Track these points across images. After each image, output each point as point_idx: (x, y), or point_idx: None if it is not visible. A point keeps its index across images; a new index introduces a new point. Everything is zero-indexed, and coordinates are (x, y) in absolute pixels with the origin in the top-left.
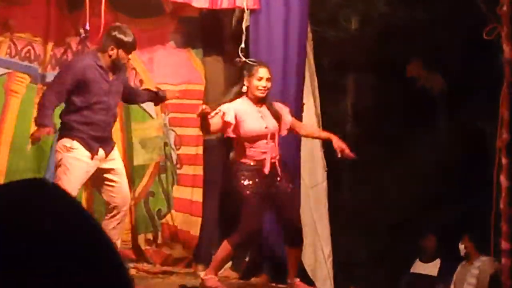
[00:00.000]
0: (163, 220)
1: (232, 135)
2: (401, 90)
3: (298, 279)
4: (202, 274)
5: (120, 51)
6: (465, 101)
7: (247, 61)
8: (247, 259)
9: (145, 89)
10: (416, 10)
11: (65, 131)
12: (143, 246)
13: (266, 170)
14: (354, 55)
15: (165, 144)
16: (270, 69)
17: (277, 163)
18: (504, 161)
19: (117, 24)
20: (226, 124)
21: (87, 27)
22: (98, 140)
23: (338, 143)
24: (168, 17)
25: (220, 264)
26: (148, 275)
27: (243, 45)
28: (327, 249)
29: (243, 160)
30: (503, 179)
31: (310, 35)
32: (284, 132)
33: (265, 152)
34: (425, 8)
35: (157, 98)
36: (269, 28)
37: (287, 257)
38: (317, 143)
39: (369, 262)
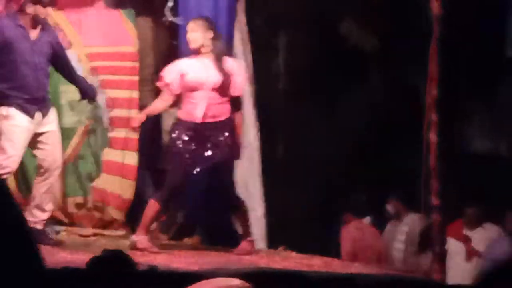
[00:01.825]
0: (94, 184)
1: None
2: (334, 48)
3: (245, 242)
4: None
5: (38, 6)
6: (397, 58)
7: (174, 20)
8: (178, 220)
9: (82, 77)
10: None
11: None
12: (73, 210)
13: (197, 119)
14: (286, 12)
15: (94, 106)
16: (200, 21)
17: (221, 123)
18: (433, 117)
19: None
20: (169, 89)
21: None
22: (34, 102)
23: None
24: None
25: (149, 223)
26: (79, 238)
27: (170, 3)
28: (260, 209)
29: (179, 115)
30: (432, 135)
31: None
32: (235, 92)
33: (197, 105)
34: None
35: (88, 92)
36: None
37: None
38: (249, 104)
39: (303, 220)
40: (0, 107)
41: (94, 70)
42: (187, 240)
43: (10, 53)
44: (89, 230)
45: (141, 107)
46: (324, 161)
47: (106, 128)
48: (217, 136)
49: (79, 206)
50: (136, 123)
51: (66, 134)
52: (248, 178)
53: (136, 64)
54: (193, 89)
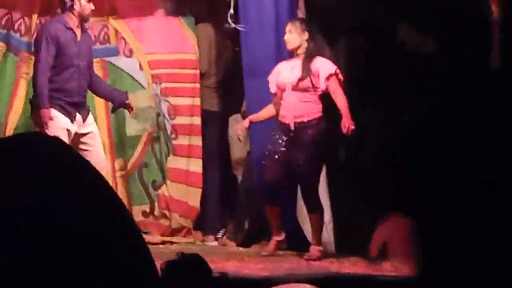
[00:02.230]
0: (159, 191)
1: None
2: (392, 54)
3: (316, 247)
4: (207, 242)
5: (83, 1)
6: (456, 64)
7: (237, 27)
8: (246, 226)
9: (109, 86)
10: None
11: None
12: (140, 218)
13: (286, 119)
14: (343, 19)
15: (158, 114)
16: (297, 23)
17: (304, 124)
18: None
19: None
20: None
21: None
22: (74, 106)
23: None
24: None
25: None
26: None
27: (232, 11)
28: (327, 215)
29: (279, 118)
30: None
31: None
32: (322, 86)
33: (284, 107)
34: None
35: (116, 98)
36: None
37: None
38: None
39: (370, 225)
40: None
41: (156, 78)
42: (255, 247)
43: (59, 56)
44: (158, 238)
45: (205, 114)
46: (388, 167)
47: (170, 135)
48: (305, 136)
49: (145, 214)
50: (240, 130)
51: (130, 142)
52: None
53: (197, 72)
54: (282, 90)
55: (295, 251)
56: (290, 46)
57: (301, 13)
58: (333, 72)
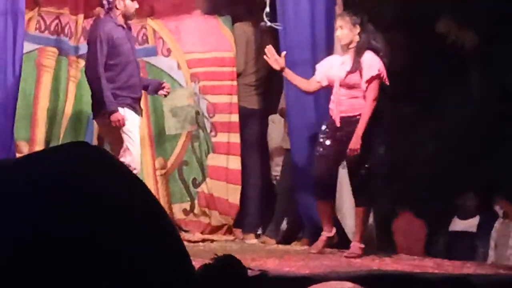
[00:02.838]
0: (199, 189)
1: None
2: (432, 47)
3: (357, 243)
4: (247, 240)
5: (127, 1)
6: (497, 57)
7: (273, 25)
8: (284, 224)
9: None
10: None
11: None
12: (181, 216)
13: (333, 114)
14: (382, 14)
15: (197, 112)
16: (347, 17)
17: (349, 118)
18: None
19: None
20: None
21: None
22: (139, 102)
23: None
24: None
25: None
26: (188, 244)
27: (267, 9)
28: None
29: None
30: None
31: None
32: (363, 85)
33: (333, 102)
34: None
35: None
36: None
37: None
38: None
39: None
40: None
41: (194, 76)
42: (295, 244)
43: (118, 56)
44: (198, 236)
45: (243, 112)
46: (428, 162)
47: (209, 133)
48: (351, 132)
49: (186, 212)
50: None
51: (170, 140)
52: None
53: (234, 70)
54: (331, 84)
55: (335, 248)
56: (343, 42)
57: (339, 10)
58: (375, 74)
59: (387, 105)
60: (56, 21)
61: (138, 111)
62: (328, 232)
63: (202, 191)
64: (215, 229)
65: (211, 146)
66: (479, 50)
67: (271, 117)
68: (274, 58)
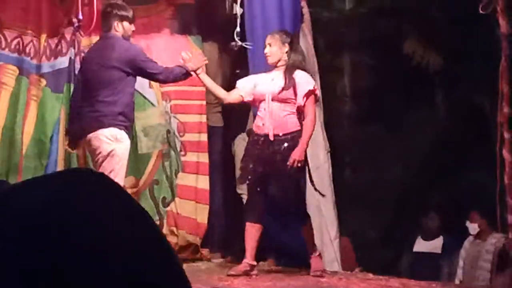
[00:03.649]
0: (168, 208)
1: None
2: (398, 68)
3: (315, 254)
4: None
5: (125, 23)
6: (462, 77)
7: (243, 45)
8: None
9: None
10: None
11: (111, 119)
12: None
13: (262, 131)
14: (349, 34)
15: (168, 131)
16: (277, 35)
17: (280, 135)
18: (506, 135)
19: (109, 2)
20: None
21: (80, 17)
22: (131, 126)
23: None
24: (164, 4)
25: (256, 246)
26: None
27: (238, 29)
28: (333, 230)
29: (253, 128)
30: (506, 153)
31: (307, 16)
32: (299, 101)
33: (262, 118)
34: None
35: None
36: (263, 11)
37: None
38: (317, 125)
39: (375, 242)
40: (113, 128)
41: (166, 95)
42: (262, 264)
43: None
44: None
45: (209, 131)
46: (394, 182)
47: (179, 152)
48: (283, 149)
49: None
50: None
51: (141, 159)
52: (320, 201)
53: (204, 89)
54: (259, 100)
55: (292, 267)
56: (271, 59)
57: (306, 29)
58: (312, 88)
59: (352, 126)
60: (18, 39)
61: (130, 136)
62: (250, 260)
63: (171, 210)
64: (182, 249)
65: (181, 165)
66: (443, 70)
67: (241, 136)
68: (189, 58)
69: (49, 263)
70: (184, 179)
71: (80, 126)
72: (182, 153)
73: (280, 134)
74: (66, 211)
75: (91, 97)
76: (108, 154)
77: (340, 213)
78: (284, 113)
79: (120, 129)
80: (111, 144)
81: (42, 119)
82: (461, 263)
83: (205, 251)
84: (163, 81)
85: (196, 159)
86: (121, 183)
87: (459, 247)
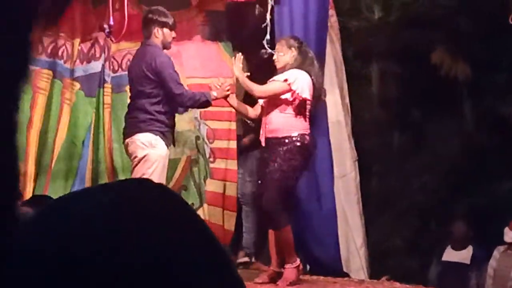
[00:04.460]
0: None
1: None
2: (426, 78)
3: (292, 264)
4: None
5: (165, 29)
6: (489, 88)
7: (273, 52)
8: None
9: None
10: None
11: (148, 124)
12: None
13: (262, 134)
14: (378, 44)
15: (197, 137)
16: (283, 41)
17: (275, 140)
18: None
19: (150, 8)
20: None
21: (111, 22)
22: (172, 132)
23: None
24: (194, 10)
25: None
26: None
27: (268, 36)
28: (359, 239)
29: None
30: None
31: (336, 24)
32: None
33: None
34: None
35: None
36: (291, 20)
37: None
38: (345, 134)
39: (402, 251)
40: (148, 133)
41: None
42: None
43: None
44: None
45: (238, 139)
46: (421, 191)
47: (208, 159)
48: (277, 151)
49: None
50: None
51: (169, 165)
52: (346, 209)
53: (234, 96)
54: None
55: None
56: (278, 65)
57: (335, 37)
58: (307, 97)
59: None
60: (53, 44)
61: (169, 142)
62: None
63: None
64: None
65: (209, 172)
66: (471, 81)
67: None
68: (216, 87)
69: (115, 265)
70: (213, 186)
71: (123, 131)
72: (211, 159)
73: (277, 136)
74: (125, 219)
75: (131, 103)
76: (141, 159)
77: (366, 222)
78: (282, 115)
79: (156, 134)
80: (145, 149)
81: (75, 123)
82: (491, 272)
83: (232, 258)
84: (179, 104)
85: (225, 166)
86: None
87: (487, 258)
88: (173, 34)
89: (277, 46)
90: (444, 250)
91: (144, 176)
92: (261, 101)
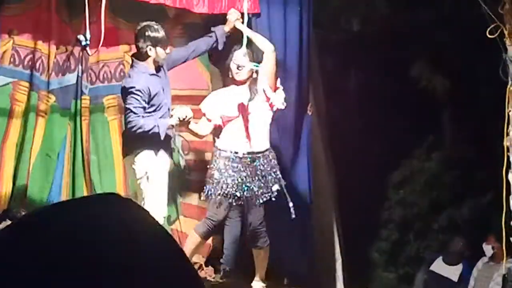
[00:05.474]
0: (173, 226)
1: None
2: (405, 90)
3: (260, 282)
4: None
5: (158, 48)
6: (468, 100)
7: (251, 65)
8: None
9: None
10: (417, 10)
11: (145, 142)
12: None
13: (235, 149)
14: (356, 57)
15: (173, 149)
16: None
17: (259, 153)
18: None
19: (145, 23)
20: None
21: (88, 35)
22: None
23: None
24: (171, 23)
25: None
26: None
27: (245, 49)
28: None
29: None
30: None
31: (313, 37)
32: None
33: (231, 136)
34: (426, 8)
35: None
36: (269, 33)
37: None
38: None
39: (383, 265)
40: (147, 150)
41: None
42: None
43: (153, 104)
44: None
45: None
46: (400, 204)
47: (184, 171)
48: (254, 167)
49: None
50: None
51: None
52: (323, 223)
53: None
54: (227, 120)
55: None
56: (240, 77)
57: (313, 51)
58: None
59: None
60: (30, 55)
61: (170, 153)
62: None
63: (176, 229)
64: None
65: (185, 184)
66: (450, 93)
67: None
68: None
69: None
70: (188, 198)
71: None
72: (187, 171)
73: (254, 151)
74: (95, 233)
75: (125, 122)
76: (141, 177)
77: (345, 234)
78: (254, 130)
79: (150, 149)
80: (138, 165)
81: (50, 135)
82: (472, 283)
83: (209, 271)
84: (128, 128)
85: (200, 178)
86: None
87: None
88: (167, 50)
89: (240, 61)
90: (434, 259)
91: (149, 196)
92: (209, 116)
